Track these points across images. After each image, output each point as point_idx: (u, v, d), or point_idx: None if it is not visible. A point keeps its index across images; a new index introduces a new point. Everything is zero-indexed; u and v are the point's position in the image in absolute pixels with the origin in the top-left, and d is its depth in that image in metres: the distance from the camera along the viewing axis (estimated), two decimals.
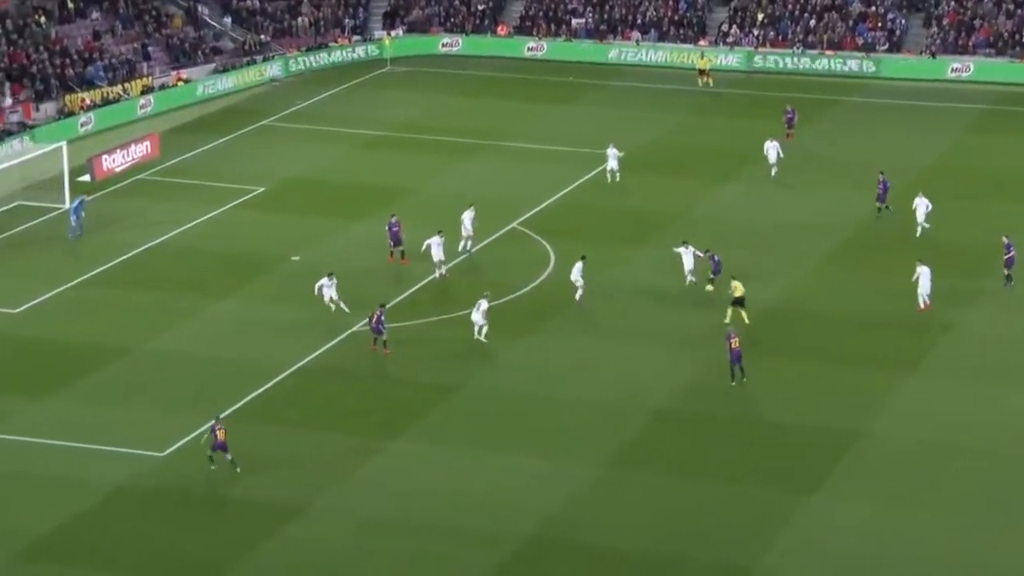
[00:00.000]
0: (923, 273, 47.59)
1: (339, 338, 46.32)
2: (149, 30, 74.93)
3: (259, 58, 75.91)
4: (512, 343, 46.07)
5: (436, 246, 49.99)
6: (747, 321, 46.54)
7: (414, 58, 78.97)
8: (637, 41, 79.01)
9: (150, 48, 73.61)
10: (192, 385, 43.57)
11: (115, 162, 61.96)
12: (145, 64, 72.44)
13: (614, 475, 38.92)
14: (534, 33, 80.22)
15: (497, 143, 65.79)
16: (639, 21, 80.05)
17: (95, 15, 73.89)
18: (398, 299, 49.08)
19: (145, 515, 37.04)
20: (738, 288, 46.70)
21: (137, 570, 34.95)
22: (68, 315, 48.32)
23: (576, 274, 48.19)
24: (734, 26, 78.97)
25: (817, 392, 43.36)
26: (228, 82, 73.46)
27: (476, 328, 45.41)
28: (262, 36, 77.64)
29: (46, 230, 55.37)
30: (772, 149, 59.91)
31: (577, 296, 48.08)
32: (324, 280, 47.11)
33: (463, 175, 61.59)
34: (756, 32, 78.56)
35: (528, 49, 79.52)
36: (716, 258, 49.26)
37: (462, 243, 51.99)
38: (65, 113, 67.16)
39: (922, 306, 47.43)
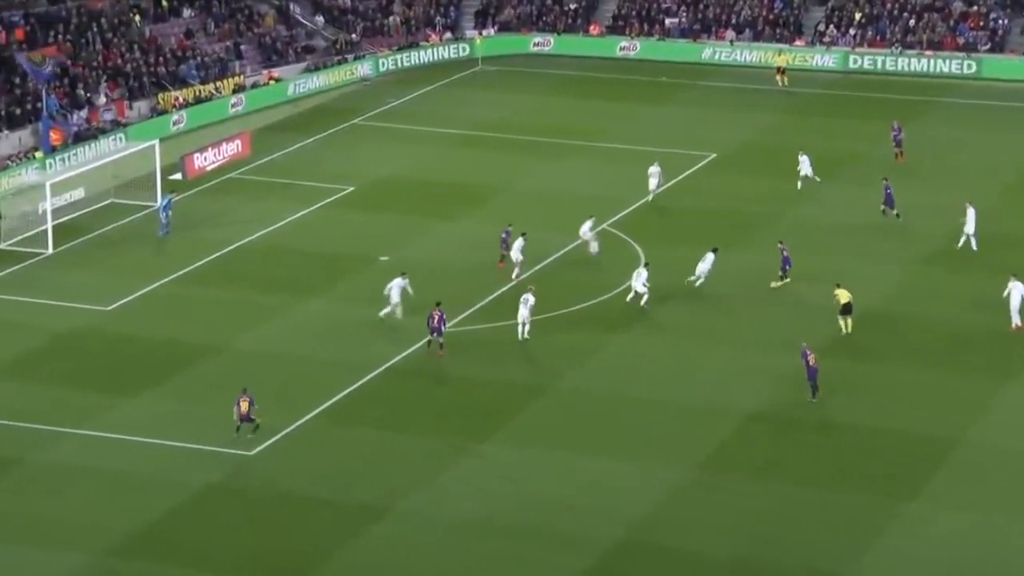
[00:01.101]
0: (1015, 288, 46.37)
1: (427, 338, 46.59)
2: (241, 29, 75.85)
3: (350, 57, 76.56)
4: (602, 345, 46.12)
5: (516, 249, 50.13)
6: (849, 331, 46.08)
7: (505, 57, 79.23)
8: (731, 41, 78.70)
9: (242, 47, 74.51)
10: (279, 384, 44.07)
11: (206, 160, 62.80)
12: (237, 63, 73.33)
13: (704, 479, 38.85)
14: (627, 32, 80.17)
15: (587, 143, 65.84)
16: (734, 21, 79.74)
17: (188, 14, 74.92)
18: (485, 300, 49.31)
19: (234, 514, 37.55)
20: (843, 295, 46.22)
21: (227, 569, 35.43)
22: (158, 313, 49.06)
23: (640, 282, 47.82)
24: (831, 26, 78.41)
25: (914, 397, 42.98)
26: (319, 81, 74.15)
27: (520, 326, 45.36)
28: (353, 35, 78.29)
29: (138, 228, 56.23)
30: (804, 163, 58.15)
31: (643, 302, 47.77)
32: (397, 280, 47.21)
33: (553, 175, 61.71)
34: (853, 32, 77.96)
35: (620, 49, 79.50)
36: (785, 253, 48.51)
37: (595, 245, 52.29)
38: (158, 112, 68.16)
39: (1014, 327, 46.33)
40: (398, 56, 78.04)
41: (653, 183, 57.53)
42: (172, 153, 61.88)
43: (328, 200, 59.20)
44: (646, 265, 48.65)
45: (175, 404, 42.76)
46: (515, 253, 50.39)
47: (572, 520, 37.07)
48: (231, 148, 64.02)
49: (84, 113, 65.11)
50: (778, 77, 73.35)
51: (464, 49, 79.45)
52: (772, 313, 48.21)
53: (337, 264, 52.27)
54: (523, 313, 45.64)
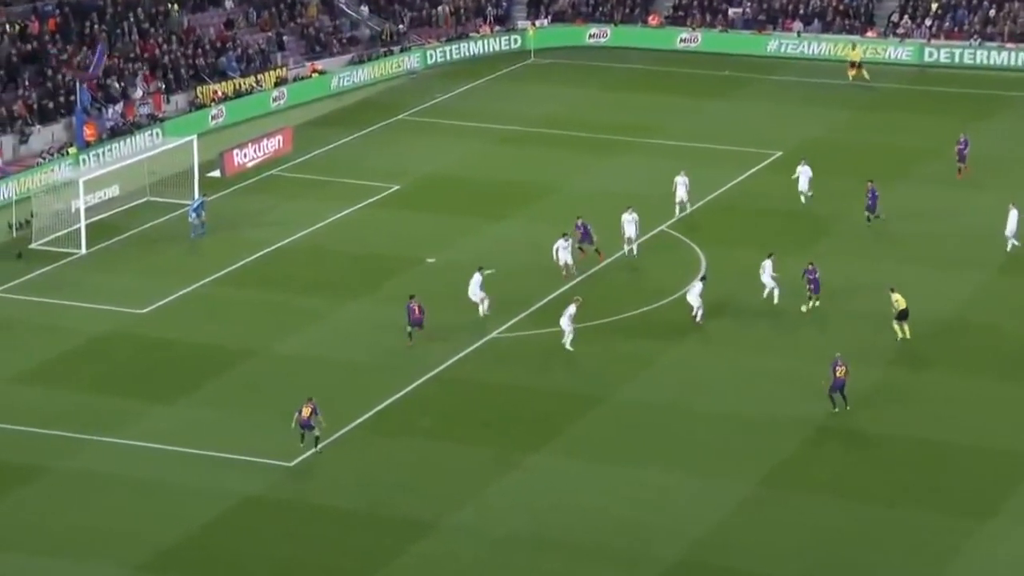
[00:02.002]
0: None
1: (475, 345, 46.49)
2: (283, 19, 76.03)
3: (396, 49, 76.61)
4: (658, 353, 45.85)
5: (563, 250, 50.10)
6: (907, 336, 45.65)
7: (559, 49, 79.06)
8: (799, 32, 78.21)
9: (284, 38, 74.67)
10: (321, 391, 43.97)
11: (246, 157, 62.95)
12: (279, 55, 73.50)
13: (767, 495, 38.51)
14: (688, 23, 79.84)
15: (645, 140, 65.58)
16: (801, 11, 79.23)
17: (228, 3, 75.16)
18: (535, 306, 49.12)
19: (272, 527, 37.51)
20: (900, 301, 45.80)
21: None
22: (195, 316, 49.17)
23: (695, 296, 47.39)
24: (905, 16, 77.75)
25: (989, 411, 42.49)
26: (364, 74, 74.25)
27: (565, 335, 45.27)
28: (400, 26, 78.34)
29: (174, 227, 56.39)
30: (804, 174, 56.42)
31: (698, 317, 47.34)
32: (475, 276, 47.57)
33: (608, 174, 61.49)
34: (929, 23, 77.25)
35: (681, 40, 79.17)
36: (815, 276, 47.14)
37: (627, 247, 52.21)
38: (196, 105, 68.38)
39: None
40: (447, 48, 78.04)
41: (683, 192, 55.57)
42: (210, 149, 62.06)
43: (372, 199, 59.21)
44: (703, 279, 48.13)
45: (211, 411, 42.81)
46: (563, 255, 50.30)
47: (626, 538, 36.82)
48: (272, 144, 64.16)
49: (119, 107, 65.40)
50: (852, 72, 72.73)
51: (516, 41, 79.36)
52: (836, 322, 47.75)
53: (381, 266, 52.25)
54: (563, 323, 45.38)
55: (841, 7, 78.75)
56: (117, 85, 66.15)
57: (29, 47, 66.05)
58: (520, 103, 71.06)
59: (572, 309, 45.74)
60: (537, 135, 66.52)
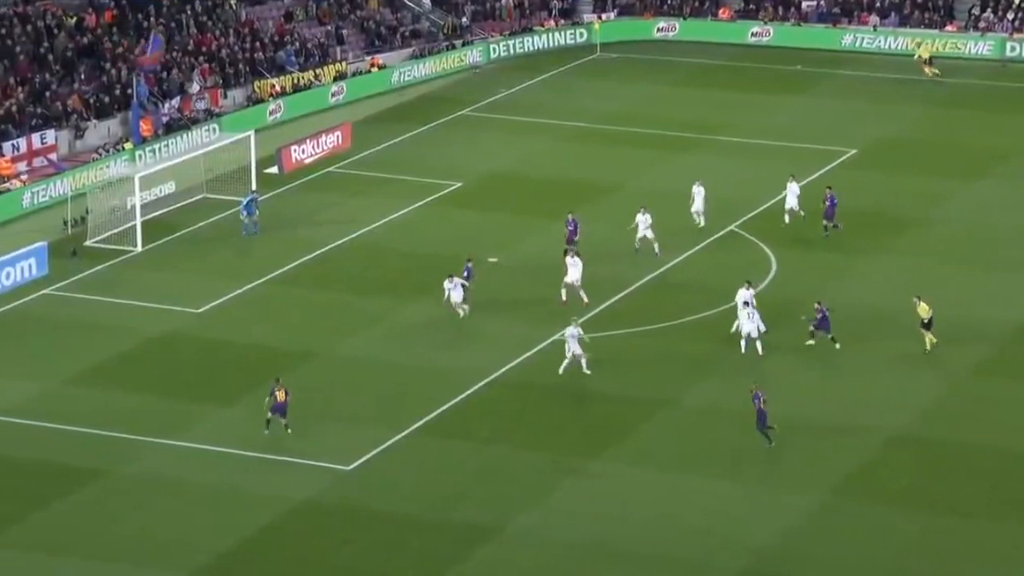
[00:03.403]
0: None
1: (538, 347, 46.79)
2: (343, 12, 76.63)
3: (459, 43, 77.01)
4: (726, 357, 45.95)
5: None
6: (932, 344, 45.45)
7: (626, 43, 79.23)
8: (875, 26, 78.03)
9: (344, 31, 75.26)
10: (380, 394, 44.51)
11: (304, 153, 63.53)
12: (338, 48, 74.08)
13: (836, 505, 38.61)
14: (760, 17, 79.83)
15: (714, 137, 65.66)
16: (878, 4, 79.03)
17: None
18: (599, 308, 49.38)
19: (330, 532, 37.96)
20: (925, 310, 45.63)
21: None
22: (251, 316, 49.73)
23: (743, 302, 46.70)
24: (987, 9, 77.39)
25: None
26: (425, 68, 74.68)
27: (582, 361, 44.36)
28: (463, 19, 78.76)
29: (231, 225, 56.93)
30: (792, 192, 54.83)
31: (733, 328, 46.76)
32: (447, 282, 47.52)
33: (676, 172, 61.59)
34: (1012, 16, 76.86)
35: (752, 34, 79.16)
36: (824, 312, 45.86)
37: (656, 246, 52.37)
38: (254, 100, 69.03)
39: None
40: (510, 42, 78.38)
41: (700, 203, 54.86)
42: (268, 145, 62.65)
43: (433, 197, 59.62)
44: (748, 283, 47.61)
45: (268, 414, 43.26)
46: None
47: (693, 547, 37.01)
48: (331, 140, 64.71)
49: (176, 102, 66.11)
50: (926, 69, 72.51)
51: (581, 34, 79.59)
52: (911, 325, 47.68)
53: (442, 266, 52.55)
54: (575, 349, 44.51)
55: (920, 0, 78.45)
56: (175, 79, 66.84)
57: (85, 40, 66.96)
58: (585, 99, 71.28)
59: (577, 331, 44.65)
60: (602, 132, 66.75)
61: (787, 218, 55.10)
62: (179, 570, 36.23)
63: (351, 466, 40.65)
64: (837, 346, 45.89)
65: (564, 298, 48.83)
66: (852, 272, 51.82)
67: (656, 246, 52.35)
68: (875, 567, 36.22)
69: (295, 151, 63.24)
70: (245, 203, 55.92)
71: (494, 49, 77.60)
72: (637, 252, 52.52)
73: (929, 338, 45.49)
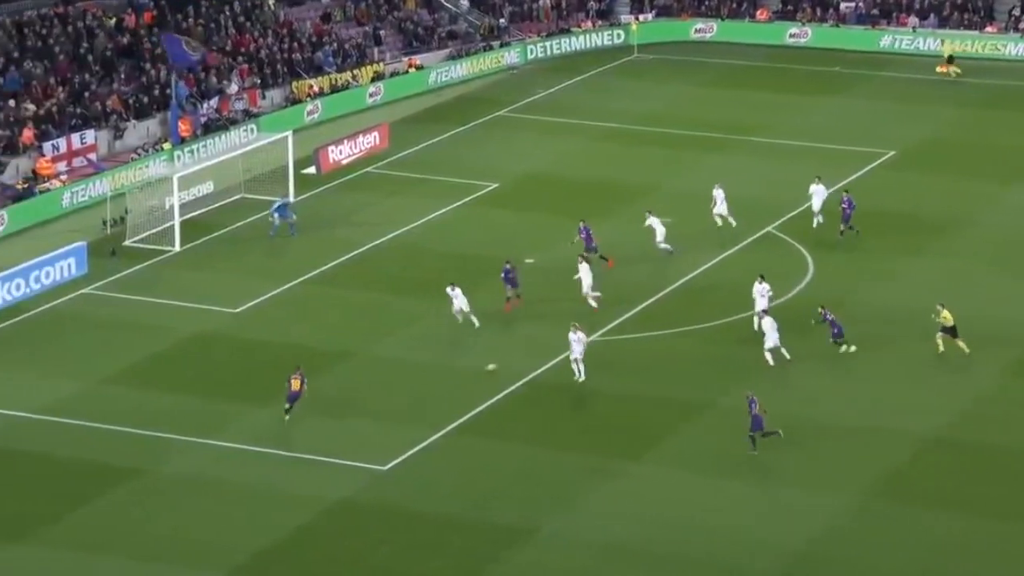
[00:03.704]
0: None
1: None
2: (381, 12, 76.75)
3: (496, 44, 77.05)
4: (762, 359, 45.78)
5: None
6: (943, 349, 45.26)
7: (663, 44, 79.13)
8: (914, 27, 77.70)
9: (381, 32, 75.39)
10: (416, 394, 44.54)
11: (342, 154, 63.65)
12: (376, 49, 74.21)
13: (874, 508, 38.46)
14: (798, 18, 79.64)
15: (752, 138, 65.52)
16: (917, 5, 78.70)
17: None
18: (636, 309, 49.32)
19: (365, 532, 38.02)
20: (948, 318, 45.35)
21: None
22: (288, 316, 49.85)
23: (761, 296, 46.76)
24: None
25: None
26: (462, 69, 74.73)
27: (579, 371, 44.10)
28: (500, 20, 78.79)
29: (268, 226, 57.06)
30: (818, 194, 54.56)
31: (758, 324, 46.71)
32: (449, 290, 47.23)
33: (713, 172, 61.41)
34: None
35: (790, 35, 78.96)
36: (829, 317, 45.63)
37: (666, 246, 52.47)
38: (292, 101, 69.21)
39: None
40: (548, 43, 78.38)
41: (723, 205, 54.69)
42: (306, 145, 62.80)
43: (470, 197, 59.66)
44: (762, 277, 47.53)
45: (305, 414, 43.38)
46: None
47: (730, 550, 36.92)
48: (368, 141, 64.83)
49: (214, 102, 66.34)
50: (948, 69, 72.22)
51: (619, 35, 79.53)
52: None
53: (479, 266, 52.61)
54: (578, 353, 44.28)
55: (959, 1, 78.08)
56: (213, 80, 67.11)
57: (125, 41, 67.26)
58: (622, 99, 71.22)
59: (580, 335, 44.18)
60: (639, 133, 66.67)
61: (817, 220, 54.78)
62: (216, 569, 36.34)
63: (387, 466, 40.70)
64: (841, 350, 45.61)
65: (595, 305, 48.80)
66: (889, 274, 51.60)
67: (667, 247, 52.37)
68: (909, 570, 36.06)
69: (332, 151, 63.38)
70: (277, 206, 55.96)
71: (531, 50, 77.59)
72: (671, 253, 52.46)
73: (961, 345, 45.22)
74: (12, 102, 61.78)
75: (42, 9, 67.10)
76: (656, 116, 68.42)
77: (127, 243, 55.48)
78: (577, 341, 44.22)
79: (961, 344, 45.41)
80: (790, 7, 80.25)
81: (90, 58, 65.55)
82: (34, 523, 37.99)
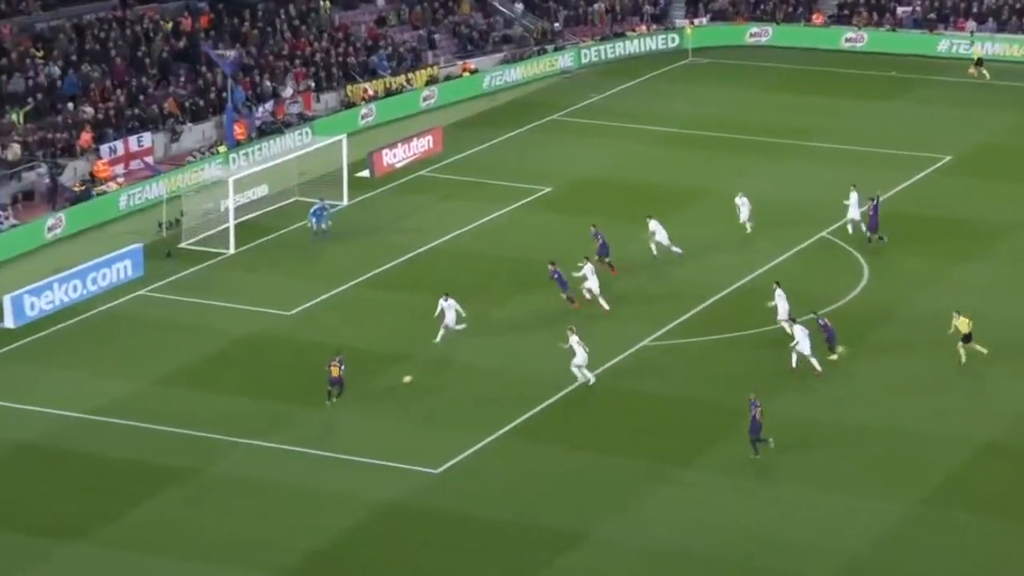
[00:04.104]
0: None
1: (626, 353, 46.69)
2: (436, 16, 76.90)
3: (550, 48, 77.04)
4: (820, 365, 45.59)
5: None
6: (963, 355, 44.84)
7: (718, 49, 78.91)
8: (972, 32, 77.15)
9: (436, 36, 75.53)
10: (469, 398, 44.58)
11: (396, 157, 63.80)
12: (430, 53, 74.35)
13: (930, 514, 38.21)
14: (853, 22, 79.22)
15: (806, 143, 65.24)
16: (975, 9, 78.14)
17: (380, 1, 76.21)
18: (688, 314, 49.21)
19: (417, 535, 38.08)
20: (964, 324, 44.94)
21: None
22: (342, 318, 50.01)
23: (780, 303, 46.54)
24: None
25: None
26: (516, 73, 74.76)
27: (576, 370, 44.05)
28: (555, 24, 78.79)
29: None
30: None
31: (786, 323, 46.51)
32: (442, 302, 47.11)
33: (767, 177, 61.30)
34: None
35: (846, 40, 78.57)
36: (823, 322, 45.34)
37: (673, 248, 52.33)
38: (346, 104, 69.44)
39: None
40: (602, 47, 78.30)
41: (746, 212, 54.59)
42: (360, 149, 62.98)
43: (524, 201, 59.67)
44: (777, 283, 47.28)
45: (359, 416, 43.53)
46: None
47: (780, 558, 36.76)
48: (422, 144, 64.94)
49: (270, 106, 66.64)
50: (973, 70, 71.73)
51: (673, 40, 79.36)
52: (1002, 330, 47.12)
53: (531, 271, 52.59)
54: (580, 355, 44.13)
55: (1018, 5, 77.48)
56: (269, 83, 67.37)
57: (181, 44, 67.69)
58: (677, 104, 71.08)
59: (576, 339, 44.11)
60: (694, 137, 66.52)
61: (851, 229, 54.31)
62: (267, 570, 36.49)
63: (439, 469, 40.74)
64: (830, 358, 45.23)
65: (607, 307, 48.69)
66: (945, 279, 51.25)
67: (673, 248, 52.18)
68: None
69: (386, 155, 63.54)
70: (314, 210, 56.04)
71: (585, 54, 77.54)
72: (681, 256, 52.26)
73: (977, 350, 44.80)
74: (71, 105, 62.28)
75: (100, 13, 67.61)
76: (710, 120, 68.24)
77: (182, 245, 55.79)
78: (577, 344, 44.16)
79: (979, 347, 45.00)
80: (846, 11, 79.87)
81: (147, 61, 66.00)
82: (90, 523, 38.27)
